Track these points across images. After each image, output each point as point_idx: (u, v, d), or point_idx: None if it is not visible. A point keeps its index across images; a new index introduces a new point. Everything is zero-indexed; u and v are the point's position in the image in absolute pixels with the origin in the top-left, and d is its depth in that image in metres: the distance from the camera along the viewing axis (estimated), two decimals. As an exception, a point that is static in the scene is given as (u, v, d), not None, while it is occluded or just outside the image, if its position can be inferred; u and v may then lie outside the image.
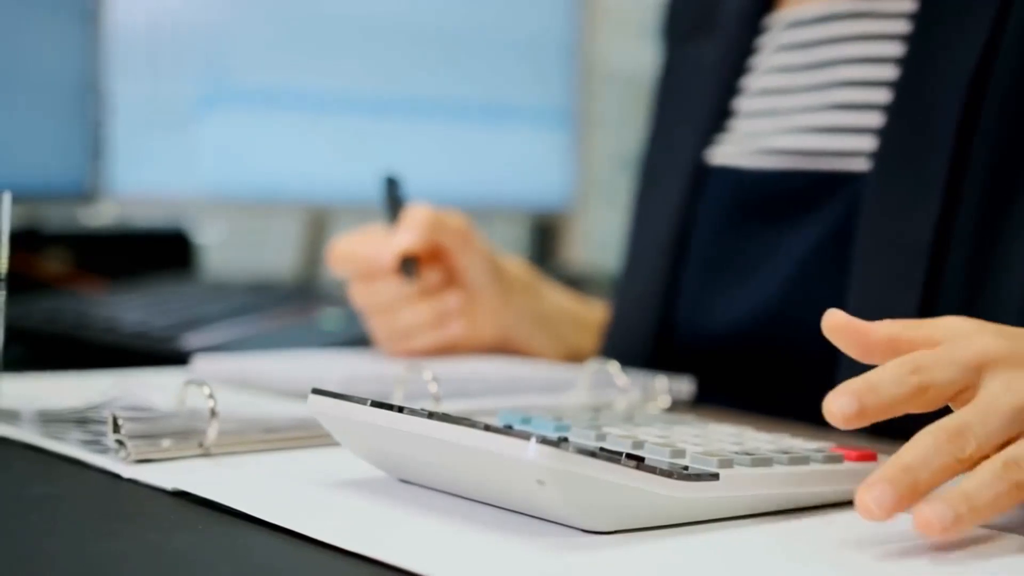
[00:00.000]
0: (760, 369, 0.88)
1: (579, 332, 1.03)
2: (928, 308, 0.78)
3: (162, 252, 1.55)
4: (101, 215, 1.53)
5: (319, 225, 1.64)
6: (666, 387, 0.82)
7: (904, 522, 0.56)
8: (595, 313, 1.07)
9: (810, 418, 0.81)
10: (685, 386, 0.84)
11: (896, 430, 0.76)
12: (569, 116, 1.82)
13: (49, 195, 1.40)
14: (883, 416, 0.53)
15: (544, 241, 2.00)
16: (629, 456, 0.51)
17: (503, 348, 0.96)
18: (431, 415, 0.53)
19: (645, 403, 0.81)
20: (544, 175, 1.80)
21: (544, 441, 0.48)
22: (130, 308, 1.10)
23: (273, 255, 1.74)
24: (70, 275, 1.37)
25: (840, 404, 0.52)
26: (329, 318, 1.09)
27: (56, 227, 1.47)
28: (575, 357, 0.97)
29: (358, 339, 0.99)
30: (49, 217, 1.47)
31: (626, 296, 0.99)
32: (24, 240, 1.36)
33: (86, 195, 1.43)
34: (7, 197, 0.65)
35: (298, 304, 1.15)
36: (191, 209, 1.59)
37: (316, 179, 1.60)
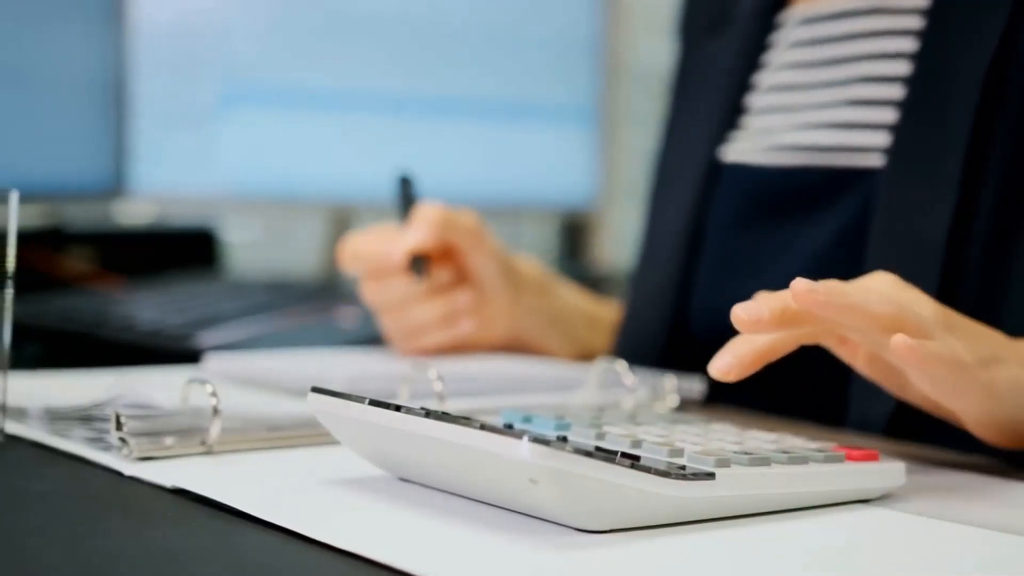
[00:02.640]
0: (773, 366, 0.87)
1: (593, 331, 1.03)
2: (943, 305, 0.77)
3: (187, 250, 1.55)
4: (125, 213, 1.54)
5: (343, 224, 1.64)
6: (675, 386, 0.82)
7: (905, 523, 0.55)
8: (609, 312, 1.06)
9: (824, 415, 0.81)
10: (695, 385, 0.83)
11: (906, 433, 0.76)
12: (595, 114, 1.81)
13: (73, 193, 1.41)
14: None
15: (572, 240, 2.00)
16: (624, 455, 0.51)
17: (514, 347, 0.96)
18: (428, 414, 0.53)
19: (653, 402, 0.81)
20: (570, 173, 1.80)
21: (537, 440, 0.48)
22: (147, 306, 1.10)
23: (298, 254, 1.74)
24: (94, 273, 1.37)
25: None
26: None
27: (80, 225, 1.47)
28: (589, 356, 0.97)
29: (373, 338, 0.99)
30: (73, 215, 1.48)
31: (640, 292, 0.99)
32: (48, 238, 1.37)
33: (110, 193, 1.44)
34: (14, 196, 0.65)
35: (316, 303, 1.15)
36: (214, 208, 1.60)
37: (340, 178, 1.60)
